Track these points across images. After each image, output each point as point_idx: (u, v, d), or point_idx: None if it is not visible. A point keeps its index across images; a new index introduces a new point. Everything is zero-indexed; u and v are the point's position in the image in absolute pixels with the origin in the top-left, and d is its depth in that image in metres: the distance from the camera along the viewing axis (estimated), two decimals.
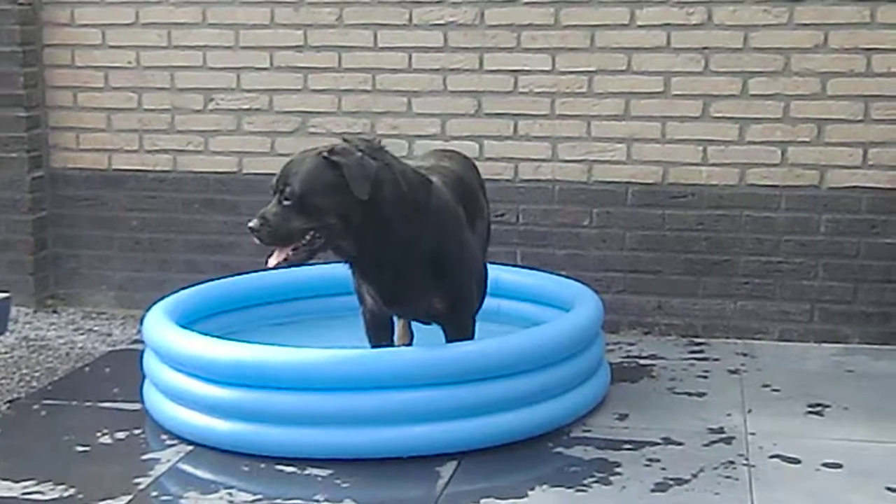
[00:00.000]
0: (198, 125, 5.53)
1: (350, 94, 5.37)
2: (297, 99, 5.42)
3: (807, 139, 5.00)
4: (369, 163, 3.66)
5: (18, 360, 4.90)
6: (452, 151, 4.49)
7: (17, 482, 3.65)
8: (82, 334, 5.34)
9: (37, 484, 3.64)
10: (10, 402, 4.40)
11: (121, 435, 4.08)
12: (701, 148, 5.08)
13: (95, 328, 5.42)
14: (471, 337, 4.01)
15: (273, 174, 5.44)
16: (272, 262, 3.71)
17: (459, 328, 3.98)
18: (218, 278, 4.91)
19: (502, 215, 5.26)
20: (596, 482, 3.62)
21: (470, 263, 3.97)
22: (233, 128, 5.50)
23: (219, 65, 5.47)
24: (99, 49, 5.55)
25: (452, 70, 5.27)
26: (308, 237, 3.67)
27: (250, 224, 3.67)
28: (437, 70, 5.28)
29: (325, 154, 3.68)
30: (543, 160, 5.25)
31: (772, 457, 3.80)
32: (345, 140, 3.79)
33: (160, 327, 4.17)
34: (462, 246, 3.92)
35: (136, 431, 4.13)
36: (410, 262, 3.78)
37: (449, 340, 3.98)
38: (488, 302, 4.51)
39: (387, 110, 5.34)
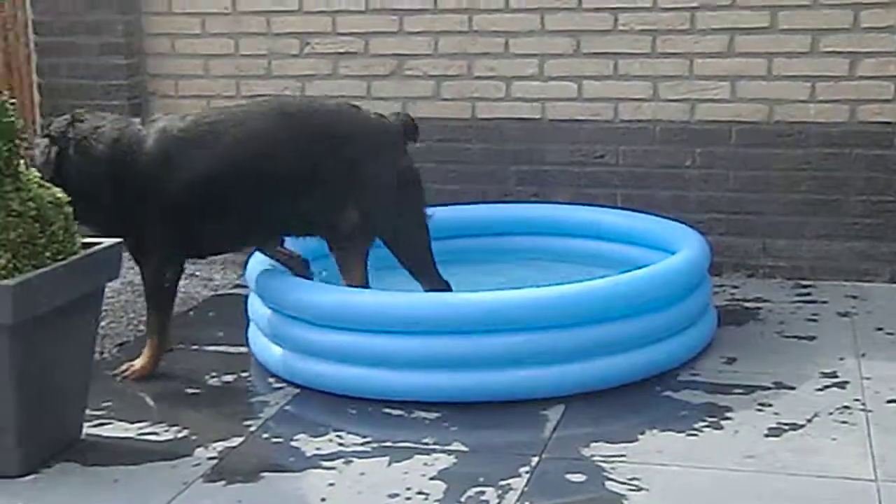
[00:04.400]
0: (294, 70, 5.52)
1: (446, 35, 5.31)
2: (392, 42, 5.38)
3: None
4: (45, 151, 3.94)
5: (125, 304, 4.97)
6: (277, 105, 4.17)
7: (132, 423, 3.72)
8: (185, 279, 5.29)
9: (151, 425, 3.70)
10: (119, 345, 4.48)
11: (229, 378, 4.13)
12: (809, 84, 4.94)
13: (197, 273, 5.47)
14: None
15: None
16: None
17: None
18: None
19: (602, 157, 5.19)
20: (707, 426, 3.56)
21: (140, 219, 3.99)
22: (329, 72, 5.48)
23: (314, 9, 5.44)
24: None
25: (550, 9, 5.17)
26: None
27: None
28: (535, 9, 5.19)
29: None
30: (644, 100, 5.14)
31: (889, 401, 3.70)
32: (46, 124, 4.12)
33: (265, 272, 4.19)
34: (133, 202, 3.96)
35: (244, 374, 4.18)
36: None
37: None
38: (587, 245, 4.51)
39: (484, 51, 5.27)
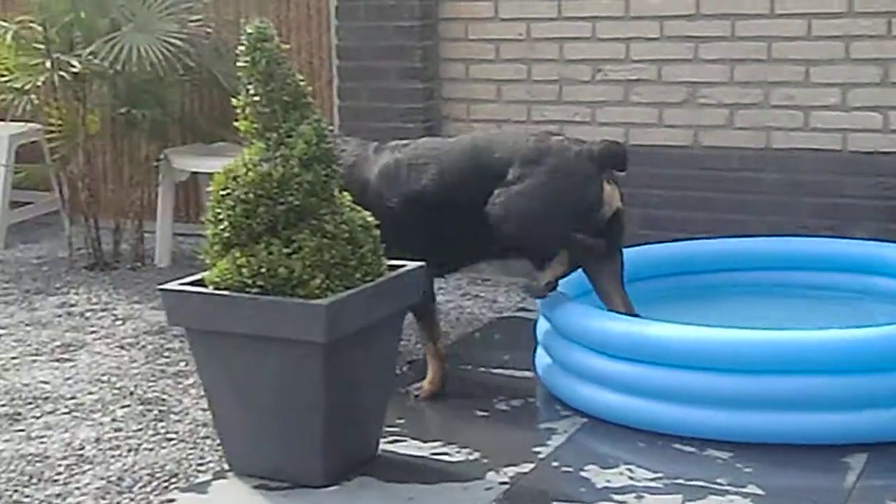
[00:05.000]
0: (584, 96, 5.54)
1: (743, 63, 5.20)
2: (686, 69, 5.31)
3: None
4: None
5: (412, 322, 5.10)
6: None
7: (424, 442, 3.82)
8: (469, 300, 5.49)
9: (443, 445, 3.79)
10: (409, 363, 4.61)
11: (516, 402, 4.17)
12: None
13: (481, 294, 5.56)
14: None
15: (660, 146, 5.42)
16: None
17: None
18: None
19: None
20: None
21: None
22: (619, 99, 5.47)
23: (608, 35, 5.45)
24: (491, 22, 5.67)
25: (856, 37, 4.97)
26: None
27: None
28: (839, 37, 5.00)
29: None
30: None
31: None
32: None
33: (555, 297, 4.21)
34: None
35: (530, 399, 4.21)
36: None
37: None
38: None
39: (782, 80, 5.13)
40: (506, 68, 5.68)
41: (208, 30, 6.01)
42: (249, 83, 3.44)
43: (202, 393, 4.16)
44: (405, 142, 4.41)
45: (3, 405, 4.18)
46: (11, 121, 6.09)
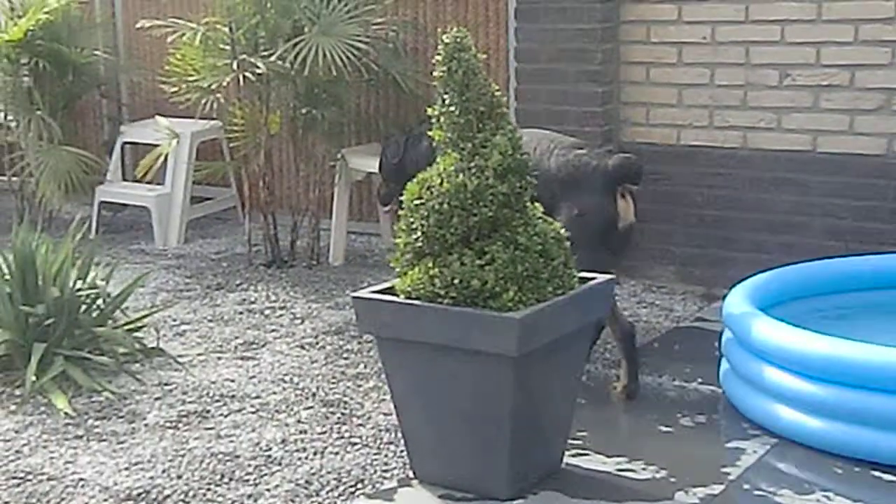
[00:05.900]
0: (770, 102, 5.37)
1: None
2: (882, 75, 5.09)
3: None
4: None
5: None
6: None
7: (608, 457, 3.75)
8: (645, 307, 5.40)
9: (628, 461, 3.72)
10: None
11: (700, 418, 4.07)
12: None
13: (657, 302, 5.47)
14: None
15: (851, 154, 5.22)
16: None
17: None
18: (791, 263, 4.73)
19: None
20: None
21: None
22: (808, 105, 5.28)
23: (797, 39, 5.26)
24: (674, 24, 5.54)
25: None
26: None
27: None
28: None
29: None
30: None
31: None
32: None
33: (747, 313, 4.09)
34: None
35: (714, 416, 4.11)
36: None
37: None
38: None
39: None
40: (688, 72, 5.55)
41: (391, 31, 6.04)
42: (445, 93, 3.43)
43: (383, 396, 4.22)
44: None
45: (192, 402, 4.29)
46: (199, 119, 6.24)
